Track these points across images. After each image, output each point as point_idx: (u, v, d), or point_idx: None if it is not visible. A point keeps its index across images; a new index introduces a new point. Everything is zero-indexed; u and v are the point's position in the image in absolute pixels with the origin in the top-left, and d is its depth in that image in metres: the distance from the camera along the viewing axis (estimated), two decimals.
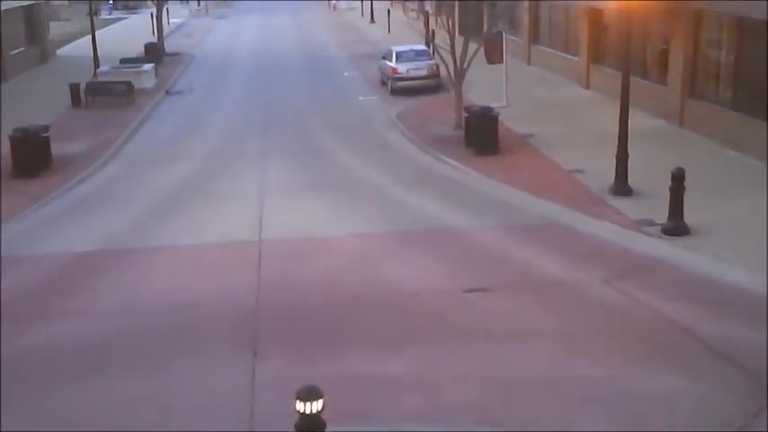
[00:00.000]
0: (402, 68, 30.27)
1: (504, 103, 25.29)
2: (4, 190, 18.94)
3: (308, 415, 6.87)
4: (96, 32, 37.20)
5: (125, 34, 53.48)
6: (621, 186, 16.50)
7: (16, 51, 37.63)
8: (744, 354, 10.22)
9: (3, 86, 33.62)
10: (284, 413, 7.68)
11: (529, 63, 34.87)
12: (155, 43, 41.89)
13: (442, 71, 26.40)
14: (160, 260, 14.75)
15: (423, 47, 32.45)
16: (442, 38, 25.22)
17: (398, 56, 30.92)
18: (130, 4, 76.70)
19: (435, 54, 26.99)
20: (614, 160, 16.56)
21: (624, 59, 16.43)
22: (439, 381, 10.01)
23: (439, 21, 25.02)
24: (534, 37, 34.92)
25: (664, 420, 9.01)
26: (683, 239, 13.95)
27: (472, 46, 23.71)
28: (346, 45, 47.15)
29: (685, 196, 14.13)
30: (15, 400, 9.88)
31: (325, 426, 6.97)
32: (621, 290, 12.40)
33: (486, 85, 27.03)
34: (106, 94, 30.00)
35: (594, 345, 10.79)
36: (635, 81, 18.45)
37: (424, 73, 30.18)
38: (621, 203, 15.99)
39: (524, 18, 34.32)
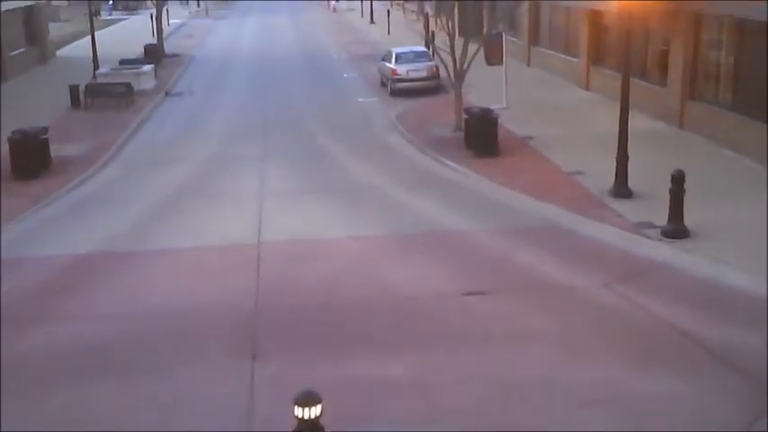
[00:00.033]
0: (402, 70, 30.27)
1: (504, 105, 25.30)
2: (4, 192, 18.92)
3: (306, 420, 6.86)
4: (96, 33, 37.20)
5: (125, 35, 53.49)
6: (621, 188, 16.48)
7: (16, 52, 37.63)
8: (744, 357, 10.20)
9: (2, 87, 33.60)
10: (283, 416, 7.66)
11: (529, 65, 34.87)
12: (154, 44, 41.89)
13: (442, 72, 26.40)
14: (160, 263, 14.73)
15: (422, 48, 32.49)
16: (441, 39, 25.20)
17: (398, 57, 30.92)
18: (130, 4, 76.73)
19: (435, 55, 26.99)
20: (614, 162, 16.54)
21: (624, 61, 16.41)
22: (438, 384, 9.99)
23: (439, 22, 24.97)
24: (534, 38, 34.92)
25: (663, 424, 8.98)
26: (683, 242, 13.93)
27: (472, 47, 23.70)
28: (346, 46, 47.15)
29: (685, 198, 14.11)
30: (15, 403, 9.85)
31: (323, 431, 6.95)
32: (621, 293, 12.37)
33: (485, 87, 27.03)
34: (105, 96, 29.97)
35: (594, 348, 10.76)
36: (635, 83, 18.45)
37: (423, 74, 30.18)
38: (621, 206, 15.97)
39: (524, 19, 34.30)
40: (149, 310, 12.65)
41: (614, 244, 14.44)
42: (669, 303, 11.90)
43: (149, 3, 46.94)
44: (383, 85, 32.06)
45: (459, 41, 24.12)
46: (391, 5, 63.02)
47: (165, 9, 47.45)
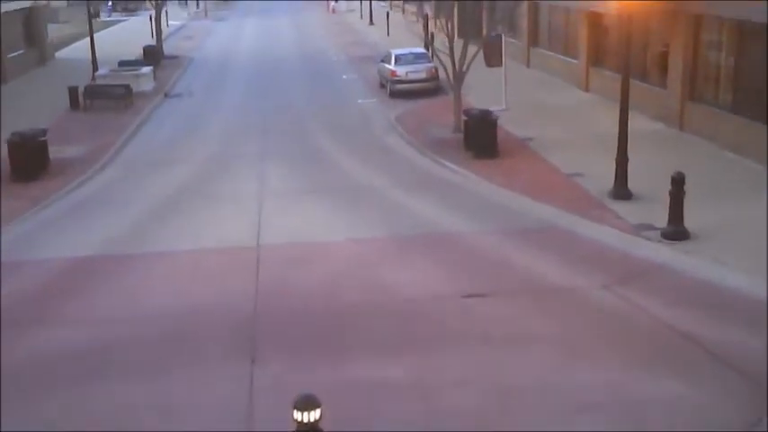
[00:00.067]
0: (401, 71, 30.25)
1: (504, 107, 25.28)
2: (3, 193, 18.89)
3: (305, 424, 6.83)
4: (95, 35, 37.20)
5: (124, 36, 53.50)
6: (621, 190, 16.46)
7: (15, 54, 37.59)
8: (744, 359, 10.18)
9: (2, 89, 33.58)
10: (282, 420, 7.63)
11: (528, 66, 34.86)
12: (153, 46, 41.86)
13: (441, 74, 26.37)
14: (159, 265, 14.70)
15: (422, 50, 32.47)
16: (441, 41, 25.20)
17: (397, 59, 30.90)
18: (130, 5, 76.72)
19: (434, 57, 26.97)
20: (614, 164, 16.52)
21: (624, 62, 16.38)
22: (438, 386, 9.97)
23: (438, 23, 24.96)
24: (534, 40, 34.91)
25: (663, 425, 8.97)
26: (683, 244, 13.91)
27: (471, 49, 23.69)
28: (345, 47, 47.16)
29: (685, 200, 14.09)
30: (15, 406, 9.83)
31: None
32: (621, 295, 12.35)
33: (485, 88, 27.02)
34: (104, 98, 29.95)
35: (594, 350, 10.74)
36: (634, 84, 18.44)
37: (422, 76, 30.16)
38: (621, 207, 15.95)
39: (524, 21, 34.29)
40: (148, 313, 12.62)
41: (614, 245, 14.41)
42: (669, 305, 11.88)
43: (148, 4, 46.89)
44: (382, 86, 32.04)
45: (458, 43, 24.11)
46: (390, 7, 63.04)
47: (164, 10, 47.41)
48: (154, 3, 44.59)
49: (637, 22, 19.33)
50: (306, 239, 15.62)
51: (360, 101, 30.74)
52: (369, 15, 60.12)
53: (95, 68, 34.63)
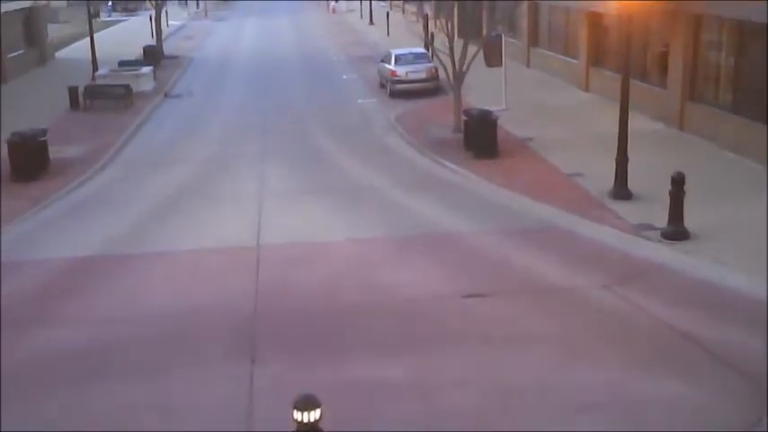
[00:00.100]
0: (401, 71, 30.25)
1: (504, 107, 25.28)
2: (3, 194, 18.89)
3: (305, 424, 6.83)
4: (95, 35, 37.19)
5: (124, 36, 53.50)
6: (621, 190, 16.45)
7: (15, 54, 37.58)
8: (744, 359, 10.17)
9: (2, 89, 33.57)
10: (283, 419, 7.63)
11: (528, 66, 34.86)
12: (153, 46, 41.86)
13: (441, 74, 26.37)
14: (159, 265, 14.69)
15: (422, 50, 32.47)
16: (441, 41, 25.19)
17: (397, 59, 30.89)
18: (130, 5, 76.71)
19: (434, 57, 26.97)
20: (614, 163, 16.51)
21: (624, 62, 16.38)
22: (438, 386, 9.96)
23: (438, 23, 24.96)
24: (534, 40, 34.91)
25: (663, 426, 8.96)
26: (683, 244, 13.91)
27: (471, 49, 23.68)
28: (345, 47, 47.16)
29: (685, 200, 14.08)
30: (15, 406, 9.83)
31: None
32: (621, 295, 12.35)
33: (485, 88, 27.01)
34: (104, 98, 29.95)
35: (594, 350, 10.74)
36: (634, 84, 18.43)
37: (422, 76, 30.16)
38: (621, 207, 15.95)
39: (524, 21, 34.28)
40: (148, 313, 12.62)
41: (614, 245, 14.41)
42: (669, 305, 11.87)
43: (148, 4, 46.89)
44: (382, 86, 32.03)
45: (458, 43, 24.11)
46: (390, 7, 63.05)
47: (163, 10, 47.41)
48: (154, 3, 44.57)
49: (637, 22, 19.34)
50: (306, 239, 15.62)
51: (360, 101, 30.74)
52: (369, 15, 60.12)
53: (95, 68, 34.63)
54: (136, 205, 18.39)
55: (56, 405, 9.90)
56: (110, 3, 75.52)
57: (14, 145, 20.44)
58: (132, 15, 72.62)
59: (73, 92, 29.71)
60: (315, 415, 6.85)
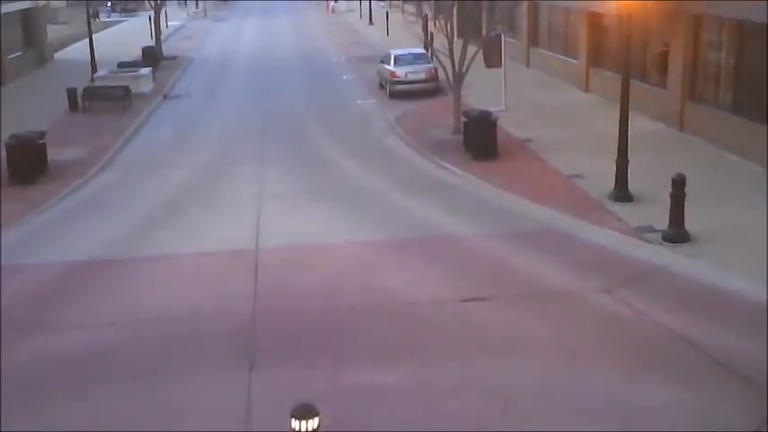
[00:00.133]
0: (400, 72, 30.19)
1: (503, 107, 25.22)
2: (3, 197, 18.83)
3: None
4: (95, 35, 37.18)
5: (123, 37, 53.43)
6: (621, 192, 16.39)
7: (14, 55, 37.52)
8: (745, 363, 10.13)
9: (1, 91, 33.51)
10: (282, 420, 7.56)
11: (528, 66, 34.80)
12: (152, 47, 41.80)
13: (441, 75, 26.30)
14: (158, 268, 14.64)
15: (421, 50, 32.39)
16: (440, 41, 25.12)
17: (397, 59, 30.84)
18: (129, 6, 76.63)
19: (434, 57, 26.90)
20: (614, 165, 16.44)
21: (624, 62, 16.32)
22: (437, 391, 9.91)
23: (437, 24, 24.89)
24: (533, 40, 34.85)
25: (664, 429, 8.90)
26: (684, 246, 13.85)
27: (471, 49, 23.62)
28: (345, 47, 47.12)
29: (686, 202, 14.02)
30: (15, 409, 9.80)
31: None
32: (621, 298, 12.29)
33: (484, 89, 26.94)
34: (103, 99, 29.89)
35: (594, 354, 10.69)
36: (634, 84, 18.37)
37: (422, 76, 30.11)
38: (621, 209, 15.89)
39: (523, 21, 34.22)
40: (147, 317, 12.57)
41: (614, 248, 14.35)
42: (670, 308, 11.82)
43: (148, 5, 46.83)
44: (382, 87, 31.97)
45: (457, 43, 24.05)
46: (390, 7, 62.99)
47: (163, 11, 47.34)
48: (153, 3, 44.50)
49: (637, 22, 19.24)
50: (305, 242, 15.56)
51: (359, 102, 30.68)
52: (368, 15, 60.07)
53: (94, 70, 34.56)
54: (135, 208, 18.33)
55: (55, 408, 9.86)
56: (109, 3, 75.48)
57: (13, 148, 20.38)
58: (132, 16, 72.54)
59: (72, 93, 29.66)
60: (312, 424, 6.80)
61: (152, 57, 39.55)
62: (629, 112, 16.22)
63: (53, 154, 21.86)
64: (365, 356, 10.90)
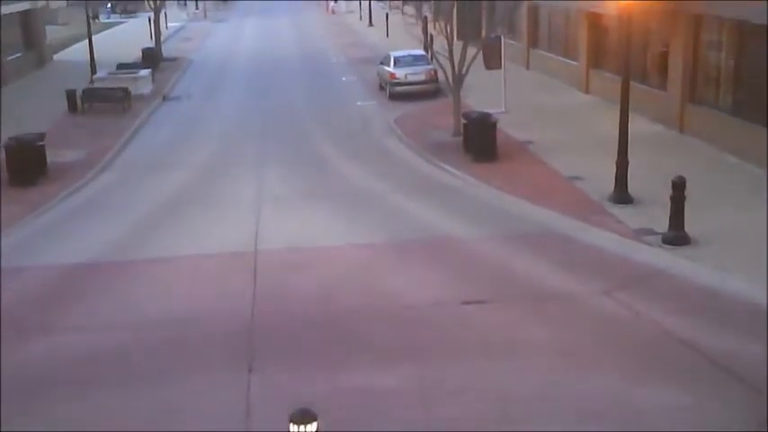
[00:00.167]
0: (400, 73, 30.19)
1: (503, 109, 25.20)
2: (2, 199, 18.82)
3: None
4: (94, 36, 37.18)
5: (123, 38, 53.42)
6: (621, 194, 16.37)
7: (13, 57, 37.51)
8: (744, 365, 10.11)
9: (0, 92, 33.50)
10: (280, 426, 7.55)
11: (528, 68, 34.79)
12: (152, 48, 41.78)
13: (441, 76, 26.30)
14: (157, 271, 14.62)
15: (421, 52, 32.39)
16: (440, 43, 25.12)
17: (396, 61, 30.84)
18: (129, 7, 76.58)
19: (433, 59, 26.90)
20: (614, 166, 16.42)
21: (624, 64, 16.31)
22: (438, 394, 9.90)
23: (437, 25, 24.89)
24: (533, 41, 34.84)
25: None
26: (684, 249, 13.83)
27: (471, 51, 23.60)
28: (344, 48, 47.12)
29: (685, 204, 14.00)
30: (15, 411, 9.79)
31: None
32: (621, 300, 12.28)
33: (484, 91, 26.92)
34: (103, 100, 29.90)
35: (594, 356, 10.67)
36: (634, 86, 18.33)
37: (422, 78, 30.10)
38: (621, 212, 15.87)
39: (523, 22, 34.22)
40: (146, 319, 12.55)
41: (614, 251, 14.33)
42: (669, 311, 11.80)
43: (148, 6, 46.82)
44: (382, 88, 31.97)
45: (457, 45, 24.04)
46: (390, 8, 62.96)
47: (162, 12, 47.32)
48: (152, 4, 44.48)
49: (637, 22, 19.24)
50: (305, 244, 15.55)
51: (359, 103, 30.67)
52: (368, 17, 60.07)
53: (94, 71, 34.55)
54: (134, 210, 18.33)
55: (55, 410, 9.86)
56: (109, 4, 75.44)
57: (12, 149, 20.38)
58: (131, 17, 72.45)
59: (71, 95, 29.65)
60: (311, 428, 6.78)
61: (152, 58, 39.55)
62: (629, 114, 16.20)
63: (52, 155, 21.87)
64: (365, 359, 10.87)
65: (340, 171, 21.14)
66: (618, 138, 16.12)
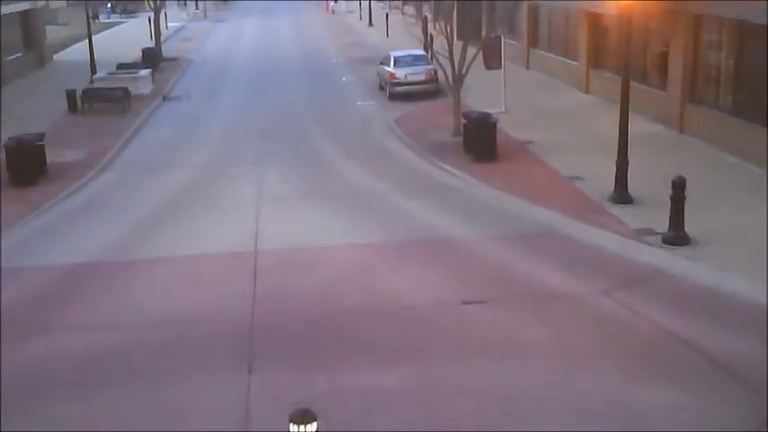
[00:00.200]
0: (400, 73, 30.19)
1: (503, 109, 25.20)
2: (2, 199, 18.82)
3: None
4: (94, 36, 37.19)
5: (123, 38, 53.43)
6: (621, 194, 16.36)
7: (13, 57, 37.51)
8: (744, 365, 10.11)
9: (0, 92, 33.50)
10: (280, 426, 7.55)
11: (528, 68, 34.79)
12: (152, 48, 41.79)
13: (441, 76, 26.30)
14: (157, 271, 14.63)
15: (421, 52, 32.40)
16: (440, 43, 25.13)
17: (396, 61, 30.84)
18: (129, 7, 76.59)
19: (433, 59, 26.90)
20: (614, 166, 16.42)
21: (624, 64, 16.31)
22: (438, 394, 9.89)
23: (437, 25, 24.89)
24: (533, 41, 34.85)
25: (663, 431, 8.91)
26: (684, 249, 13.82)
27: (471, 51, 23.60)
28: (344, 49, 47.13)
29: (685, 204, 14.00)
30: (15, 411, 9.79)
31: None
32: (621, 301, 12.27)
33: (484, 91, 26.92)
34: (102, 100, 29.90)
35: (594, 356, 10.67)
36: (634, 86, 18.33)
37: (422, 78, 30.11)
38: (621, 212, 15.87)
39: (523, 22, 34.22)
40: (146, 319, 12.55)
41: (614, 251, 14.33)
42: (670, 311, 11.80)
43: (148, 6, 46.83)
44: (381, 88, 31.97)
45: (457, 45, 24.04)
46: (390, 8, 62.98)
47: (162, 12, 47.32)
48: (152, 4, 44.49)
49: (637, 22, 19.25)
50: (305, 244, 15.55)
51: (359, 103, 30.67)
52: (368, 17, 60.08)
53: (94, 71, 34.55)
54: (134, 210, 18.33)
55: (55, 411, 9.86)
56: (109, 4, 75.45)
57: (12, 149, 20.38)
58: (131, 17, 72.46)
59: (71, 95, 29.65)
60: (311, 428, 6.78)
61: (151, 58, 39.57)
62: (629, 114, 16.20)
63: (52, 155, 21.88)
64: (365, 359, 10.87)
65: (340, 171, 21.14)
66: (618, 138, 16.13)
